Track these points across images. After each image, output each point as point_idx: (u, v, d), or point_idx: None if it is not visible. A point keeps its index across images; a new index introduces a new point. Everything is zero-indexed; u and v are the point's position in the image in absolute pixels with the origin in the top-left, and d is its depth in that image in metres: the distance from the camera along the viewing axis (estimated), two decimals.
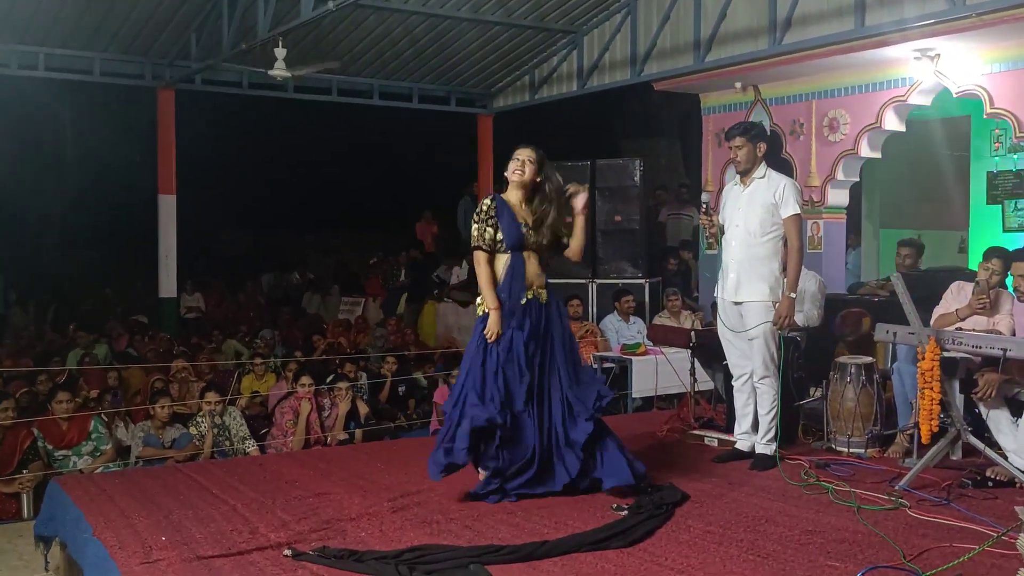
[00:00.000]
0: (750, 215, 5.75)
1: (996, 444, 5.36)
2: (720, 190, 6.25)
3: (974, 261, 8.15)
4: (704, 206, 6.18)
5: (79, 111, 15.98)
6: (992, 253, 5.97)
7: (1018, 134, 8.00)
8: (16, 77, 10.72)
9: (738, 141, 5.77)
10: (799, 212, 5.74)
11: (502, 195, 5.18)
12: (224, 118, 15.21)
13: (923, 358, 5.11)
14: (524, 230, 5.07)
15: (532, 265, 5.11)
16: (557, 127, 15.45)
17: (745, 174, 5.83)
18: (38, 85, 11.70)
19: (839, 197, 9.65)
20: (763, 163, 5.83)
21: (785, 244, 5.76)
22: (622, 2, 10.44)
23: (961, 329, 5.63)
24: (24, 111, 14.72)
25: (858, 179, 9.81)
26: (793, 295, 5.70)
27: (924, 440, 5.18)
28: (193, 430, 7.90)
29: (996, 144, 9.74)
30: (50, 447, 7.49)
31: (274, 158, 17.78)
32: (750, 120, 9.32)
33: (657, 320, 10.25)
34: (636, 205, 10.90)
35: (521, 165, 5.15)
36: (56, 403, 7.62)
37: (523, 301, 5.02)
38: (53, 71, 10.69)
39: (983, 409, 5.42)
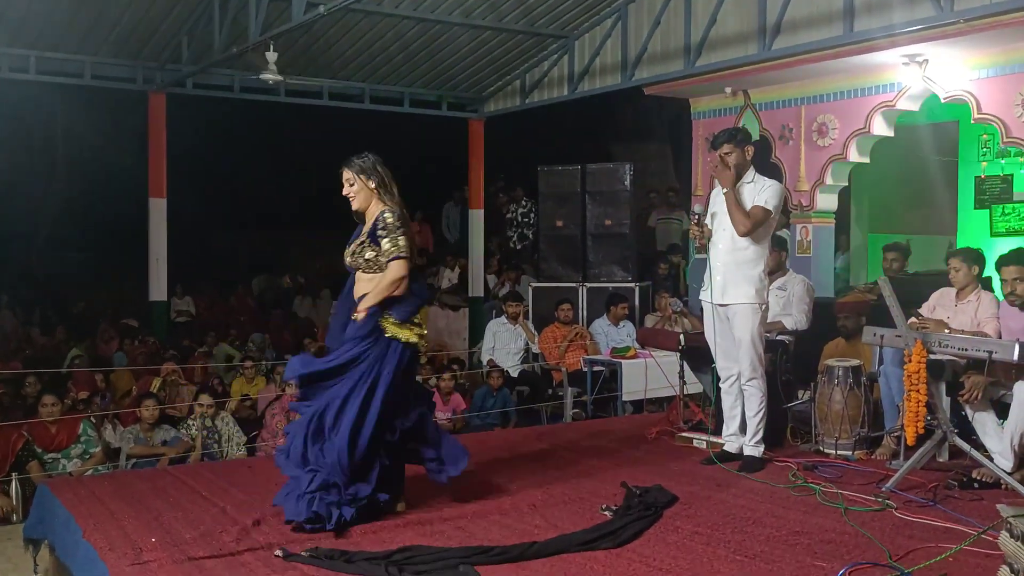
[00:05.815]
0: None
1: (982, 446, 5.40)
2: (710, 194, 6.27)
3: None
4: (696, 216, 6.20)
5: (70, 114, 15.94)
6: (953, 252, 6.05)
7: (1005, 139, 8.05)
8: (7, 80, 10.71)
9: (727, 148, 5.78)
10: (769, 208, 5.67)
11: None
12: (215, 122, 15.18)
13: (909, 361, 5.16)
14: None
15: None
16: (548, 131, 15.46)
17: (738, 178, 5.81)
18: (29, 88, 11.67)
19: (828, 202, 9.69)
20: (751, 168, 5.84)
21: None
22: (613, 7, 10.47)
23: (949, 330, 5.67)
24: (15, 114, 14.66)
25: (847, 184, 9.86)
26: (726, 191, 5.70)
27: (910, 442, 5.23)
28: (183, 433, 7.90)
29: (984, 149, 9.83)
30: (39, 450, 7.48)
31: (265, 162, 17.72)
32: (736, 125, 9.36)
33: (648, 321, 10.30)
34: (626, 209, 11.00)
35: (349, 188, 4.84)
36: (41, 406, 7.61)
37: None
38: (44, 74, 10.67)
39: (969, 411, 5.46)
